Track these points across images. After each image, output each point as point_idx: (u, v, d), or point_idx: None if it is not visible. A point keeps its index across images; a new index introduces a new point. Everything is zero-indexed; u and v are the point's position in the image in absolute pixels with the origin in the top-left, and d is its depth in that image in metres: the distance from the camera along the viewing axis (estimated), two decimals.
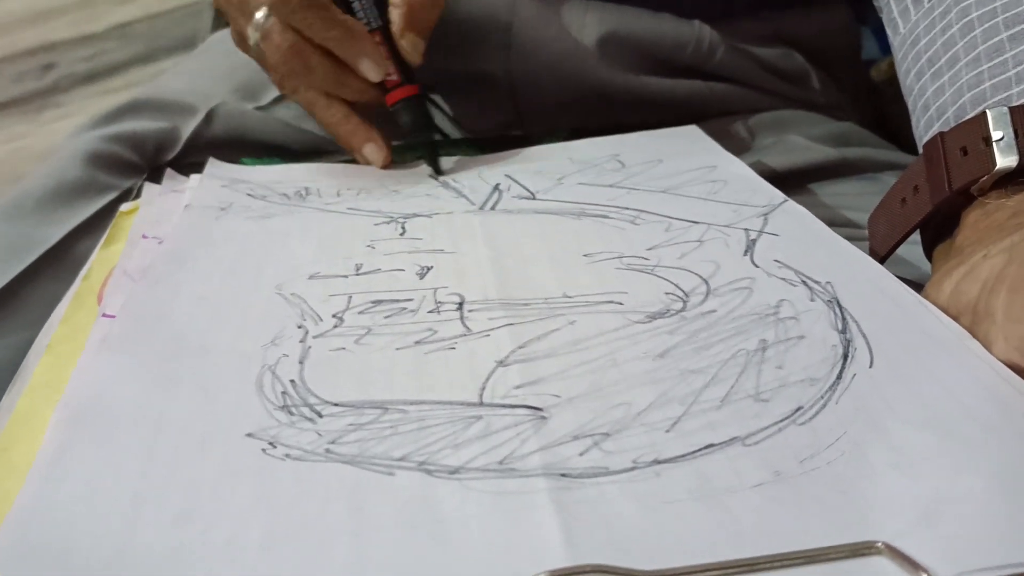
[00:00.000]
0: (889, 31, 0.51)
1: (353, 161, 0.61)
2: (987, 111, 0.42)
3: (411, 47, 0.57)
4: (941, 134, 0.43)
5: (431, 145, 0.59)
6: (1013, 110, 0.41)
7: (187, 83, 0.69)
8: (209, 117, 0.65)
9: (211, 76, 0.70)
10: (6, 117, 1.71)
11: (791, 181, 0.61)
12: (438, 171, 0.58)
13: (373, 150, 0.59)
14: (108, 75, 1.82)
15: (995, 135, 0.41)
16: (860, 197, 0.58)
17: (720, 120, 0.68)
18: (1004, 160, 0.40)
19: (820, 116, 0.69)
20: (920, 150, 0.46)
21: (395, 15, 0.57)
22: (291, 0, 0.54)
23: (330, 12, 0.55)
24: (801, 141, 0.64)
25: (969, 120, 0.42)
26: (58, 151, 0.63)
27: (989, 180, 0.41)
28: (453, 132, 0.72)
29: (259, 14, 0.55)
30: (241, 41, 0.60)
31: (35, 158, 1.57)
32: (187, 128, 0.64)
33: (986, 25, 0.44)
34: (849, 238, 0.48)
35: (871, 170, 0.63)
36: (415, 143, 0.60)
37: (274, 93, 0.68)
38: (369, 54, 0.57)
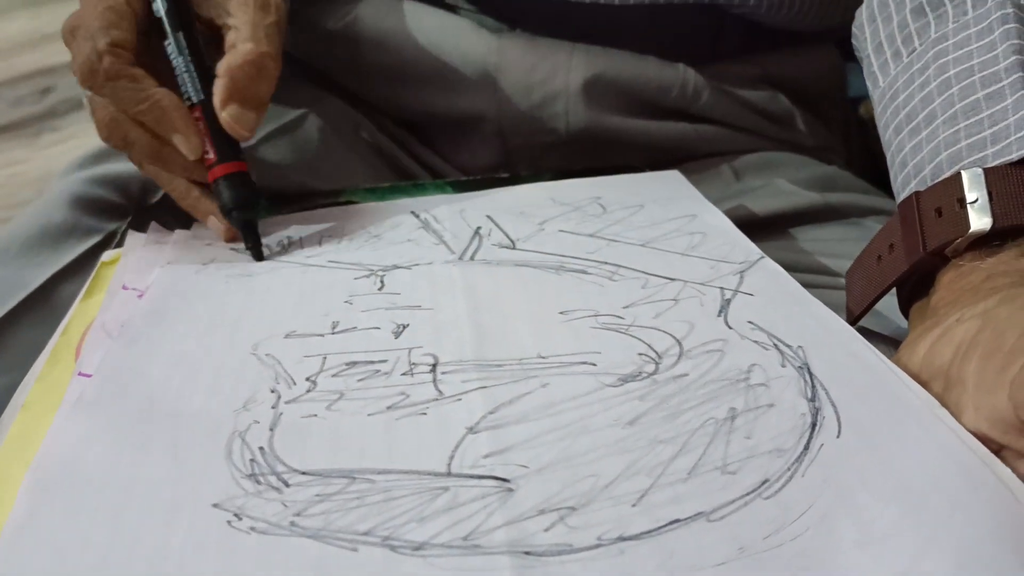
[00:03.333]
0: (869, 84, 0.52)
1: (339, 203, 0.61)
2: (962, 172, 0.42)
3: (234, 120, 0.53)
4: (916, 194, 0.43)
5: (251, 227, 0.54)
6: (988, 171, 0.41)
7: None
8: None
9: None
10: (4, 141, 1.71)
11: (774, 226, 0.61)
12: (258, 256, 0.53)
13: (214, 223, 0.56)
14: None
15: (970, 197, 0.41)
16: (842, 243, 0.59)
17: (706, 161, 0.68)
18: (978, 223, 0.40)
19: (806, 158, 0.69)
20: (897, 207, 0.46)
21: (217, 87, 0.53)
22: (98, 73, 0.51)
23: (141, 85, 0.52)
24: (786, 186, 0.65)
25: (944, 181, 0.43)
26: (46, 193, 0.63)
27: (963, 242, 0.41)
28: (443, 171, 0.72)
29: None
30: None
31: (32, 183, 1.57)
32: None
33: (963, 83, 0.44)
34: (825, 287, 0.48)
35: (855, 215, 0.63)
36: (239, 221, 0.55)
37: (259, 135, 0.68)
38: (180, 130, 0.53)
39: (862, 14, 0.53)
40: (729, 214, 0.55)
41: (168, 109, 0.52)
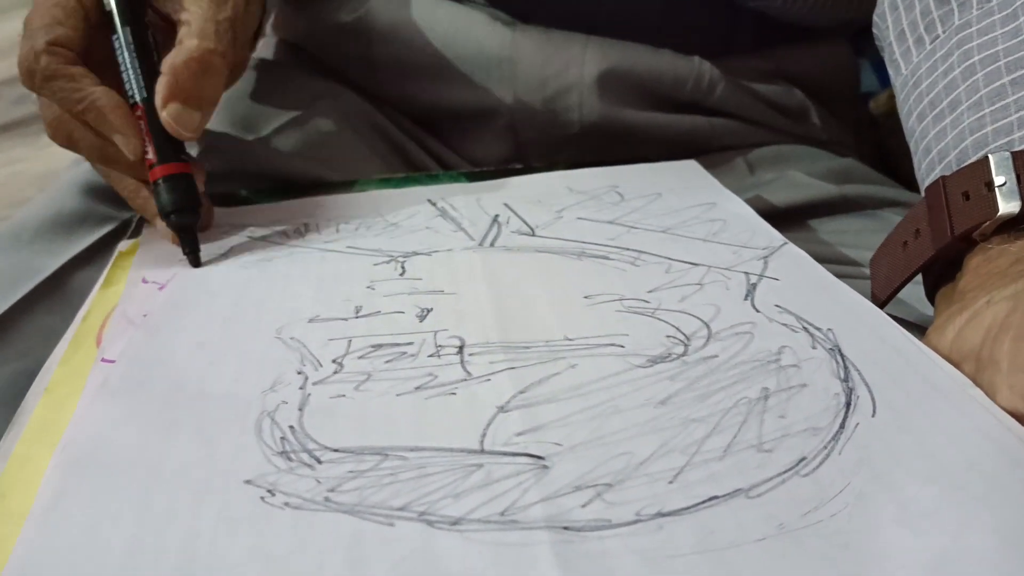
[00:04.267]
0: (891, 71, 0.52)
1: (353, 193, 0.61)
2: (990, 156, 0.41)
3: (174, 119, 0.51)
4: (943, 178, 0.43)
5: (189, 232, 0.52)
6: (1016, 155, 0.41)
7: None
8: (207, 149, 0.64)
9: None
10: (6, 140, 1.71)
11: (791, 217, 0.61)
12: (196, 262, 0.52)
13: (161, 226, 0.54)
14: None
15: (997, 180, 0.41)
16: (860, 234, 0.58)
17: (720, 154, 0.68)
18: (1007, 205, 0.40)
19: (821, 151, 0.69)
20: (922, 193, 0.46)
21: (159, 85, 0.51)
22: (35, 73, 0.49)
23: (78, 84, 0.50)
24: (802, 177, 0.65)
25: (971, 164, 0.42)
26: (57, 181, 0.63)
27: (991, 226, 0.41)
28: (455, 164, 0.72)
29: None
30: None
31: (34, 181, 1.57)
32: None
33: (988, 69, 0.44)
34: (848, 276, 0.48)
35: (872, 207, 0.63)
36: (175, 225, 0.53)
37: (273, 125, 0.68)
38: (120, 130, 0.51)
39: (884, 2, 0.53)
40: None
41: (106, 108, 0.50)
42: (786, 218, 0.61)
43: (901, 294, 0.47)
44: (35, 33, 0.50)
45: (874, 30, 0.54)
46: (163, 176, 0.52)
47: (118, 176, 0.55)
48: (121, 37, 0.53)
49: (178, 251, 0.52)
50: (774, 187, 0.64)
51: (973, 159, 0.43)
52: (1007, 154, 0.41)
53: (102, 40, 0.53)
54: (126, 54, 0.52)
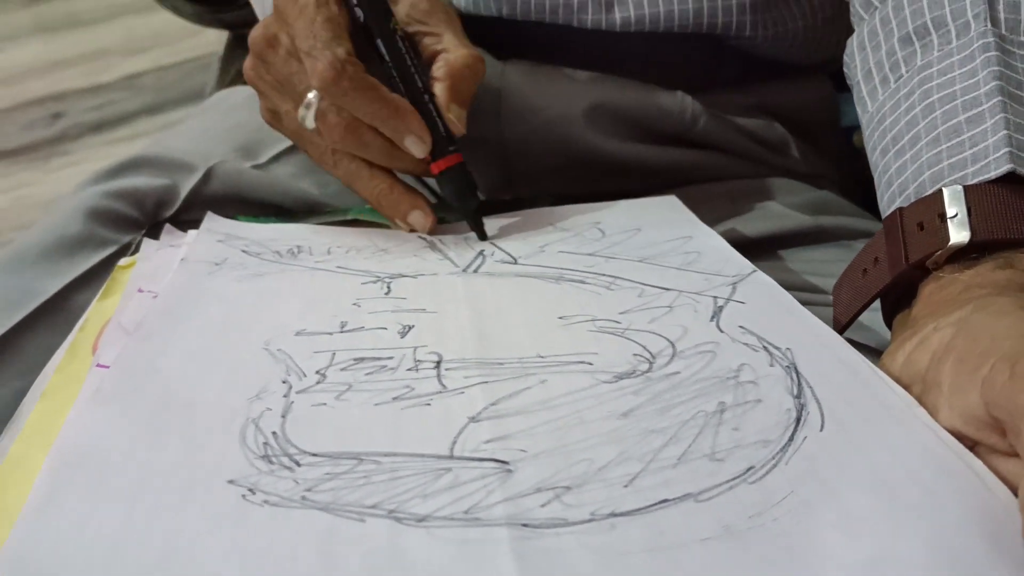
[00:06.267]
0: (859, 109, 0.54)
1: (346, 223, 0.63)
2: (943, 189, 0.44)
3: (457, 119, 0.58)
4: (900, 209, 0.46)
5: (475, 212, 0.60)
6: (967, 189, 0.43)
7: (188, 141, 0.72)
8: (208, 175, 0.67)
9: (211, 135, 0.73)
10: (14, 165, 1.74)
11: (767, 247, 0.63)
12: (483, 236, 0.60)
13: (419, 216, 0.60)
14: (116, 125, 1.85)
15: (950, 212, 0.43)
16: (831, 264, 0.61)
17: (703, 187, 0.71)
18: (957, 236, 0.42)
19: (800, 184, 0.71)
20: (883, 223, 0.48)
21: (439, 89, 0.58)
22: (342, 82, 0.54)
23: (378, 92, 0.56)
24: (778, 208, 0.67)
25: (927, 197, 0.45)
26: (61, 205, 0.65)
27: (943, 255, 0.43)
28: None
29: (311, 96, 0.56)
30: (274, 118, 0.61)
31: (40, 205, 1.60)
32: (186, 185, 0.66)
33: (946, 107, 0.47)
34: (814, 303, 0.50)
35: (846, 238, 0.65)
36: (458, 209, 0.61)
37: (271, 152, 0.71)
38: (415, 131, 0.57)
39: (853, 43, 0.55)
40: (723, 236, 0.57)
41: (405, 113, 0.57)
42: (762, 247, 0.63)
43: (865, 319, 0.49)
44: (330, 44, 0.55)
45: (844, 69, 0.56)
46: (446, 168, 0.59)
47: (369, 175, 0.59)
48: (386, 48, 0.58)
49: (174, 262, 0.54)
50: (752, 217, 0.66)
51: (929, 192, 0.45)
52: (959, 188, 0.44)
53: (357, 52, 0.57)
54: (392, 64, 0.58)
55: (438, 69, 0.59)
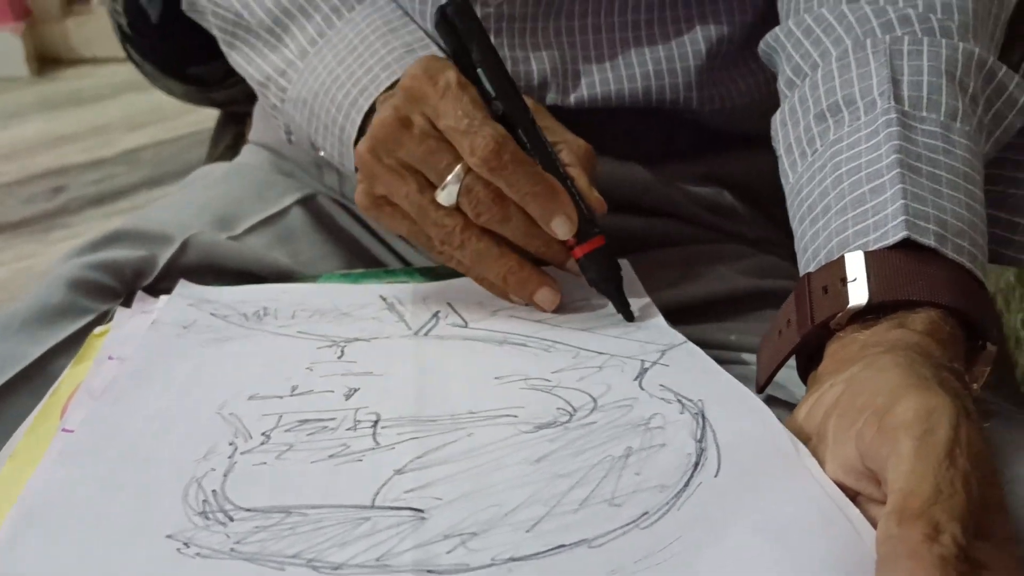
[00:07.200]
0: (783, 181, 0.58)
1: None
2: (845, 255, 0.47)
3: (597, 202, 0.59)
4: (808, 274, 0.49)
5: (620, 292, 0.59)
6: (867, 254, 0.47)
7: (168, 214, 0.75)
8: (184, 246, 0.70)
9: (190, 208, 0.76)
10: (16, 237, 1.79)
11: (711, 309, 0.67)
12: (630, 317, 0.59)
13: (547, 294, 0.60)
14: (116, 198, 1.90)
15: (850, 276, 0.46)
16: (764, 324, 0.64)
17: (655, 252, 0.74)
18: (856, 298, 0.46)
19: (748, 249, 0.74)
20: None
21: (575, 172, 0.59)
22: (504, 156, 0.55)
23: (535, 169, 0.57)
24: (727, 272, 0.70)
25: (831, 263, 0.48)
26: (47, 275, 0.69)
27: (844, 316, 0.46)
28: (412, 259, 0.78)
29: (458, 169, 0.56)
30: (378, 203, 0.60)
31: (40, 276, 1.64)
32: (163, 256, 0.69)
33: (853, 179, 0.50)
34: (747, 363, 0.53)
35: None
36: (603, 291, 0.60)
37: (247, 224, 0.74)
38: (566, 211, 0.57)
39: (776, 119, 0.59)
40: (671, 299, 0.61)
41: (559, 193, 0.57)
42: (708, 309, 0.66)
43: (785, 379, 0.52)
44: (484, 122, 0.56)
45: (772, 142, 0.60)
46: (592, 250, 0.59)
47: (498, 254, 0.59)
48: (526, 137, 0.59)
49: (143, 327, 0.57)
50: (701, 281, 0.70)
51: (835, 257, 0.48)
52: (860, 253, 0.47)
53: None
54: (534, 151, 0.59)
55: (566, 156, 0.60)
